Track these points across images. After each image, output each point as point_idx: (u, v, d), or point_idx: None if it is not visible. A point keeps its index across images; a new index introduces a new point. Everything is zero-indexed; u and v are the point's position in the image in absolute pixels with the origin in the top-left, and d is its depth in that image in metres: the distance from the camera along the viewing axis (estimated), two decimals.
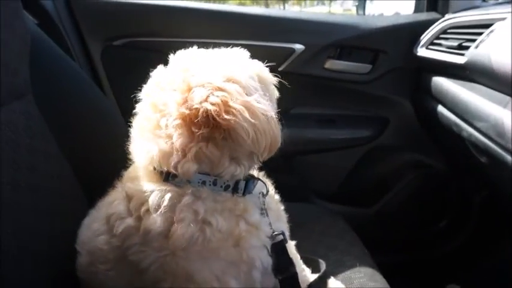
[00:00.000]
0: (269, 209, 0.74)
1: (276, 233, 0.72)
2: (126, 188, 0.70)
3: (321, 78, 1.53)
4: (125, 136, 0.73)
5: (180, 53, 0.74)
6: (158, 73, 0.73)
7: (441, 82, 1.25)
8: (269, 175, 0.81)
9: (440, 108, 1.27)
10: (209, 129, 0.61)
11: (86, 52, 1.40)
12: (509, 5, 1.05)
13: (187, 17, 1.47)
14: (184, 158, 0.63)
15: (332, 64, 1.52)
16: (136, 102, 0.73)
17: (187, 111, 0.61)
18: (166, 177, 0.65)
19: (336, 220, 1.24)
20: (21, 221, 0.74)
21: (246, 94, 0.63)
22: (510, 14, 0.97)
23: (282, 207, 0.83)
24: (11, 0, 0.83)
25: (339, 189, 1.69)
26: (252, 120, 0.60)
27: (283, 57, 1.47)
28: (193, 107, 0.60)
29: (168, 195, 0.64)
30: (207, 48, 0.74)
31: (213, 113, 0.59)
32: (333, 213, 1.30)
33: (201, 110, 0.59)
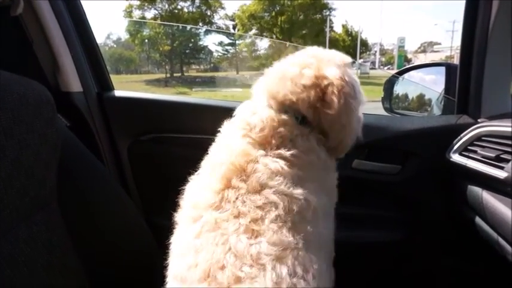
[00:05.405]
0: None
1: None
2: None
3: (347, 178, 1.48)
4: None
5: None
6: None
7: (478, 193, 1.17)
8: None
9: (479, 221, 1.18)
10: None
11: (114, 147, 1.41)
12: None
13: (213, 115, 1.48)
14: None
15: (359, 164, 1.48)
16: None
17: None
18: None
19: None
20: None
21: None
22: None
23: None
24: (47, 109, 0.84)
25: None
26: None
27: None
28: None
29: None
30: None
31: None
32: None
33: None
